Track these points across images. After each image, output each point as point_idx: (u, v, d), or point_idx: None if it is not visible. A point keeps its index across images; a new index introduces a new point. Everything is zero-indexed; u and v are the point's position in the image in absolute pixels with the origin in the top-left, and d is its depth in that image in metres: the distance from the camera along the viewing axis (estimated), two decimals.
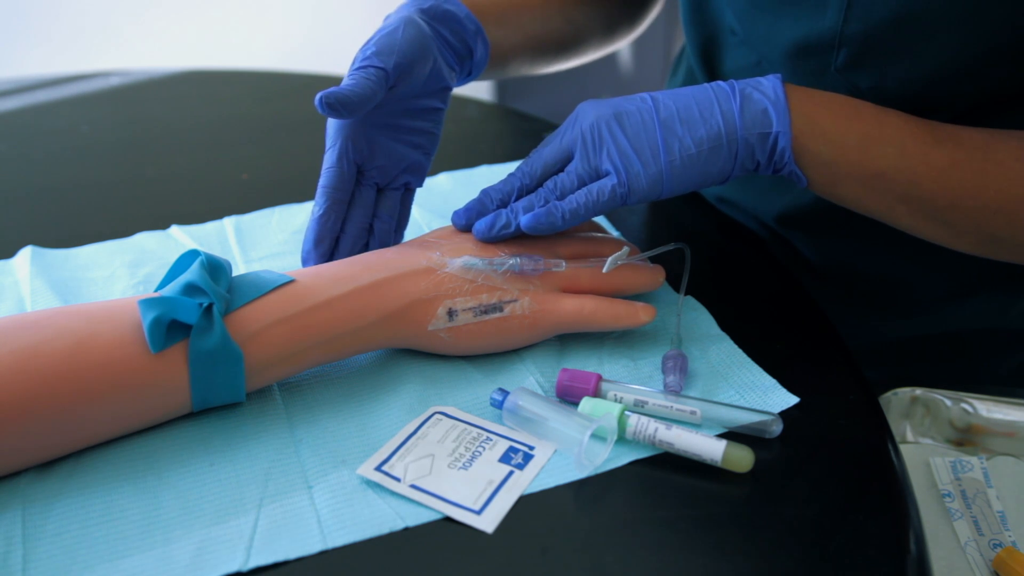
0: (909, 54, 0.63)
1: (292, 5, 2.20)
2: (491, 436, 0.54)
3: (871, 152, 0.59)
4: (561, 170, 0.62)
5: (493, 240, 0.61)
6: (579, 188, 0.60)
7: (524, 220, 0.60)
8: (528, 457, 0.53)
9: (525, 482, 0.51)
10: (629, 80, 2.33)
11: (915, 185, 0.59)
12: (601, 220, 0.74)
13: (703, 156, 0.59)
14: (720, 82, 0.61)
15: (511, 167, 0.83)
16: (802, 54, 0.68)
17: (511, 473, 0.51)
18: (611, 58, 2.34)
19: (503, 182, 0.63)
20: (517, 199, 0.62)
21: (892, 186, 0.59)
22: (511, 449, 0.53)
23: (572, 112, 0.63)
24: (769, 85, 0.60)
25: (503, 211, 0.61)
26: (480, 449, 0.53)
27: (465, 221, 0.62)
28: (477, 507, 0.49)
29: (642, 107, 0.60)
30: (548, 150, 0.63)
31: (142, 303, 0.52)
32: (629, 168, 0.59)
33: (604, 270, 0.60)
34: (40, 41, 1.83)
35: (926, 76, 0.63)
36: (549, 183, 0.61)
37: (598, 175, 0.60)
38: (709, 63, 0.80)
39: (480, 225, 0.61)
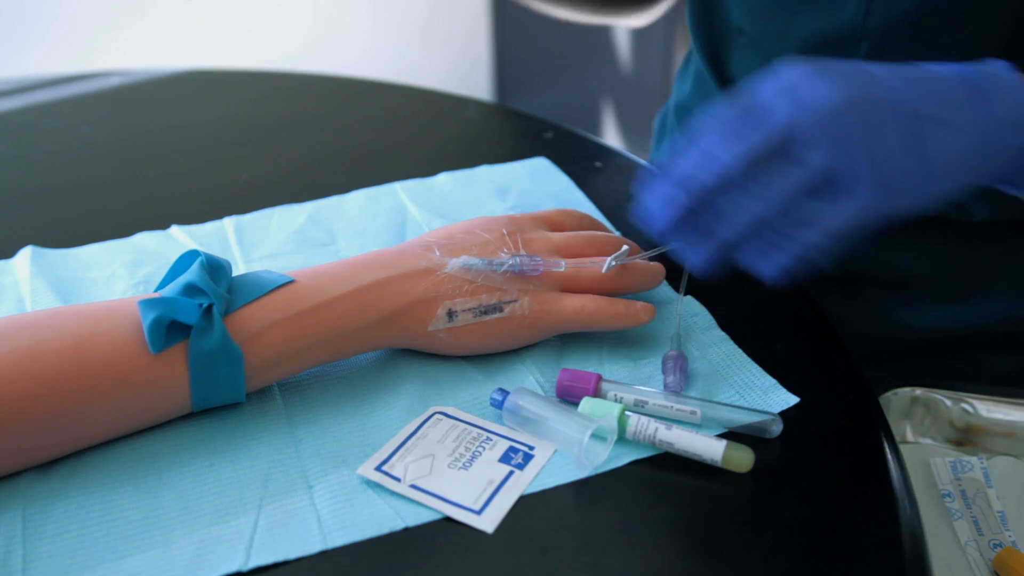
0: (932, 47, 0.61)
1: (292, 5, 2.20)
2: (491, 436, 0.54)
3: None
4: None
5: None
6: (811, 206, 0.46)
7: (767, 272, 0.47)
8: (528, 457, 0.53)
9: (525, 482, 0.51)
10: (629, 80, 2.33)
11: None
12: (601, 219, 0.74)
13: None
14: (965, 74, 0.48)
15: (511, 167, 0.83)
16: (820, 50, 0.67)
17: (511, 473, 0.51)
18: (611, 58, 2.34)
19: (700, 169, 0.47)
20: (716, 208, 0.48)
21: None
22: (511, 449, 0.53)
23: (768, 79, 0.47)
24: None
25: (712, 242, 0.48)
26: (480, 449, 0.53)
27: (665, 225, 0.49)
28: (477, 507, 0.49)
29: (892, 95, 0.45)
30: (757, 138, 0.45)
31: (142, 303, 0.52)
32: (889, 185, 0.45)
33: (604, 270, 0.60)
34: (40, 41, 1.83)
35: None
36: (773, 199, 0.46)
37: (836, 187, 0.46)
38: (717, 65, 0.79)
39: (695, 260, 0.49)
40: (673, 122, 0.90)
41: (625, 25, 0.87)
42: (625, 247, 0.61)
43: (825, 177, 0.44)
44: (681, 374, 0.57)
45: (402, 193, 0.79)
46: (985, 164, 0.47)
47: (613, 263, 0.60)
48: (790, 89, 0.45)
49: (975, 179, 0.48)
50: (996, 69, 0.48)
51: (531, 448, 0.53)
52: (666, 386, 0.57)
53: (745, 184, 0.46)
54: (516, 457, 0.53)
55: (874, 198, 0.44)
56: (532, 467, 0.52)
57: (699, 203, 0.47)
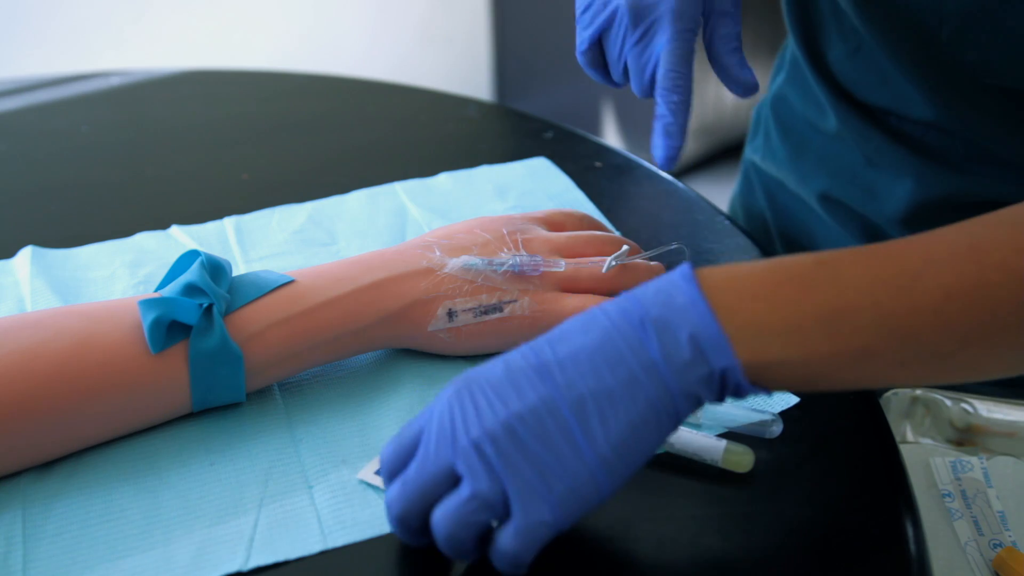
0: (1015, 29, 0.60)
1: (292, 5, 2.20)
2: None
3: (843, 331, 0.44)
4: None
5: None
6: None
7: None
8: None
9: None
10: None
11: (911, 340, 0.45)
12: (601, 219, 0.74)
13: (634, 446, 0.44)
14: (626, 310, 0.44)
15: (511, 167, 0.83)
16: (905, 29, 0.66)
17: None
18: None
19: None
20: None
21: (883, 356, 0.45)
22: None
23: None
24: (683, 291, 0.44)
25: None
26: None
27: None
28: None
29: (539, 403, 0.43)
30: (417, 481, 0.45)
31: (142, 303, 0.52)
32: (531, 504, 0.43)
33: (604, 270, 0.60)
34: (40, 41, 1.83)
35: None
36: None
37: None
38: (814, 52, 0.78)
39: None
40: (768, 115, 0.89)
41: None
42: (625, 247, 0.61)
43: (483, 503, 0.43)
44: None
45: (402, 193, 0.79)
46: (668, 413, 0.44)
47: (613, 263, 0.60)
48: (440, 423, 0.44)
49: (665, 430, 0.44)
50: (674, 283, 0.45)
51: None
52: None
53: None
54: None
55: (531, 514, 0.42)
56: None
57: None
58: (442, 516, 0.43)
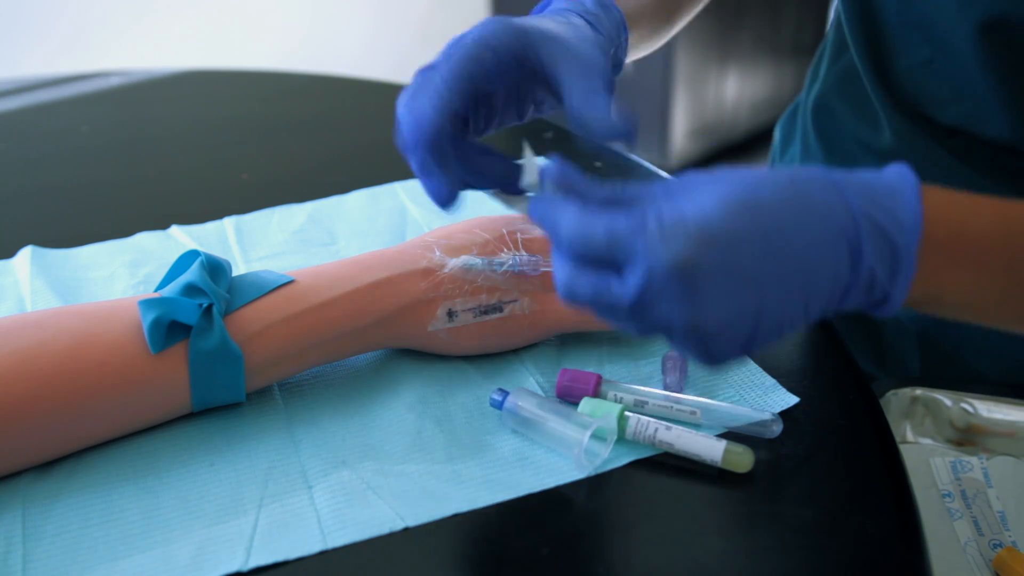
0: None
1: (292, 5, 2.20)
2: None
3: (1018, 302, 0.46)
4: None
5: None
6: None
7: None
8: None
9: None
10: (629, 80, 2.33)
11: None
12: None
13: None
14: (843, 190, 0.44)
15: None
16: (996, 33, 0.63)
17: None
18: None
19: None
20: None
21: None
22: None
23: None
24: (907, 215, 0.43)
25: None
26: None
27: None
28: None
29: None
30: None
31: (142, 303, 0.52)
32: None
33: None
34: (40, 41, 1.83)
35: None
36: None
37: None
38: (877, 63, 0.73)
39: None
40: (810, 123, 0.85)
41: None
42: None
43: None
44: (681, 374, 0.57)
45: (402, 193, 0.79)
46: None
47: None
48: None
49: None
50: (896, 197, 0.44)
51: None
52: (666, 386, 0.57)
53: None
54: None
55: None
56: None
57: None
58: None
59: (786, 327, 0.43)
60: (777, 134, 0.93)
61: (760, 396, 0.57)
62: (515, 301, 0.59)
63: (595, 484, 0.51)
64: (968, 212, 0.45)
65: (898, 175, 0.45)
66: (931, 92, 0.70)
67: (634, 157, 0.86)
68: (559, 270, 0.44)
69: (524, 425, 0.54)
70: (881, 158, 0.76)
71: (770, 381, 0.58)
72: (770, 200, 0.43)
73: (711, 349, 0.43)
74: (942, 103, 0.70)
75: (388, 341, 0.58)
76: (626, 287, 0.42)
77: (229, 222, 0.75)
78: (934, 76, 0.69)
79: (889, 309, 0.44)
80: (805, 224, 0.42)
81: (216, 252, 0.71)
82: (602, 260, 0.43)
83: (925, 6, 0.67)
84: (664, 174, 0.84)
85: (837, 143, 0.81)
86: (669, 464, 0.52)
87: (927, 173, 0.71)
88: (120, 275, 0.68)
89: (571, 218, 0.43)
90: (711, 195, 0.42)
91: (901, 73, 0.72)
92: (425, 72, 0.53)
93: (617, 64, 0.59)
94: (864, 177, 0.44)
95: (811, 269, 0.42)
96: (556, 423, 0.53)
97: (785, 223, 0.42)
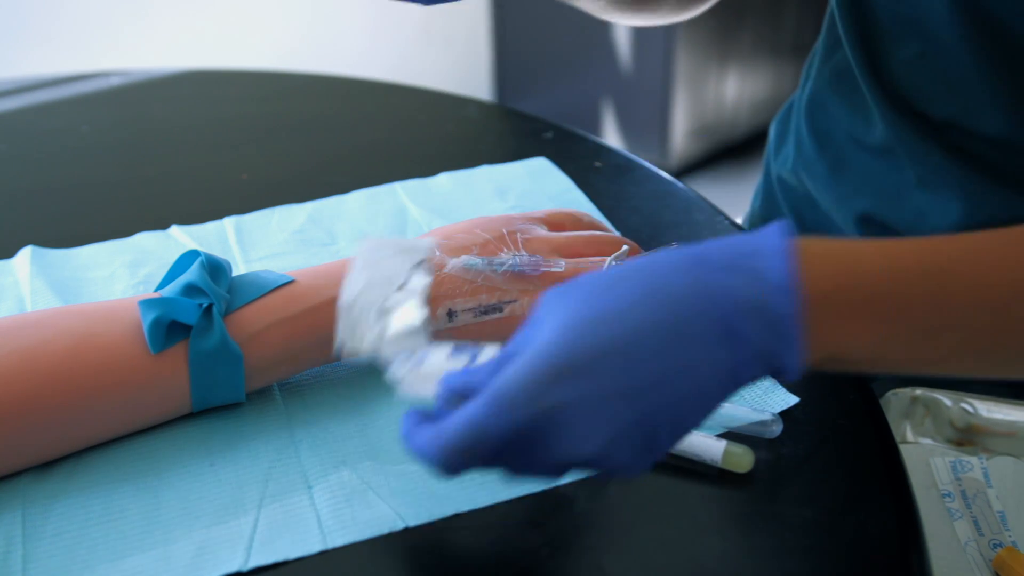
0: None
1: (292, 5, 2.20)
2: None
3: (925, 347, 0.44)
4: None
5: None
6: None
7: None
8: (478, 347, 0.49)
9: (494, 349, 0.47)
10: (629, 80, 2.33)
11: (999, 348, 0.44)
12: (601, 219, 0.74)
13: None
14: (709, 286, 0.41)
15: (511, 167, 0.83)
16: (980, 21, 0.62)
17: (474, 354, 0.47)
18: (611, 58, 2.34)
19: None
20: None
21: (964, 365, 0.46)
22: (456, 347, 0.49)
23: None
24: (777, 283, 0.41)
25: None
26: (423, 355, 0.48)
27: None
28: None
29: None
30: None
31: (142, 303, 0.52)
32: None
33: (604, 270, 0.60)
34: (40, 41, 1.83)
35: None
36: None
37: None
38: (870, 57, 0.73)
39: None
40: (803, 124, 0.84)
41: (661, 23, 0.78)
42: (625, 247, 0.61)
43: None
44: None
45: (402, 193, 0.79)
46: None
47: (613, 263, 0.60)
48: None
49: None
50: (766, 263, 0.41)
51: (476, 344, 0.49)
52: None
53: None
54: (467, 350, 0.48)
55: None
56: (489, 351, 0.47)
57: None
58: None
59: (682, 423, 0.41)
60: (771, 133, 0.93)
61: (760, 396, 0.57)
62: (515, 301, 0.59)
63: (595, 484, 0.51)
64: (851, 260, 0.43)
65: (767, 237, 0.42)
66: (923, 87, 0.70)
67: (634, 157, 0.86)
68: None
69: None
70: (874, 154, 0.76)
71: (770, 381, 0.58)
72: (616, 310, 0.41)
73: (615, 470, 0.41)
74: (934, 98, 0.70)
75: None
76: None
77: (229, 222, 0.75)
78: (926, 71, 0.69)
79: (790, 376, 0.42)
80: (662, 323, 0.40)
81: (216, 252, 0.71)
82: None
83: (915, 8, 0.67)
84: (665, 174, 0.84)
85: (830, 140, 0.80)
86: (669, 464, 0.52)
87: (920, 169, 0.72)
88: (120, 275, 0.68)
89: (430, 450, 0.42)
90: (554, 321, 0.41)
91: (893, 68, 0.71)
92: None
93: None
94: (731, 247, 0.42)
95: (682, 365, 0.40)
96: None
97: (639, 330, 0.40)
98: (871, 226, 0.77)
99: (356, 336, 0.50)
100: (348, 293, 0.50)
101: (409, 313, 0.50)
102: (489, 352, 0.47)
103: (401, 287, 0.51)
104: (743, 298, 0.40)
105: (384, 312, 0.50)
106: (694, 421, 0.42)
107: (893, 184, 0.75)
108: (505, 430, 0.40)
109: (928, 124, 0.71)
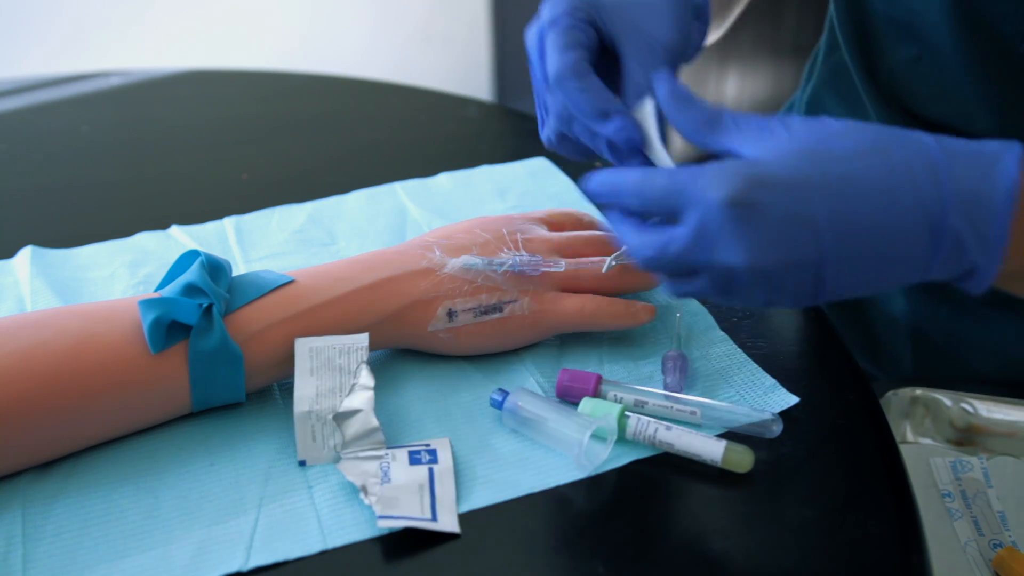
0: None
1: (292, 5, 2.20)
2: (385, 451, 0.52)
3: None
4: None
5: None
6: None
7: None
8: (431, 451, 0.52)
9: (449, 470, 0.51)
10: None
11: None
12: (601, 219, 0.74)
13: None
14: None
15: (511, 167, 0.83)
16: (985, 40, 0.62)
17: (431, 469, 0.51)
18: None
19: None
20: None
21: None
22: (412, 452, 0.52)
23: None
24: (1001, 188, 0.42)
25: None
26: (385, 466, 0.51)
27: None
28: (428, 515, 0.49)
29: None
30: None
31: (142, 303, 0.52)
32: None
33: (604, 270, 0.60)
34: (40, 41, 1.83)
35: None
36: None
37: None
38: (867, 60, 0.73)
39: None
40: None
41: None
42: (625, 247, 0.61)
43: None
44: (681, 374, 0.57)
45: (402, 193, 0.79)
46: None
47: (613, 263, 0.60)
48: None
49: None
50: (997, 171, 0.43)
51: (427, 444, 0.53)
52: (666, 386, 0.57)
53: None
54: (422, 456, 0.52)
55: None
56: (443, 455, 0.52)
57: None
58: None
59: (859, 281, 0.43)
60: None
61: (760, 396, 0.57)
62: (515, 301, 0.59)
63: (595, 484, 0.51)
64: None
65: (1002, 144, 0.44)
66: (917, 89, 0.70)
67: None
68: (626, 237, 0.46)
69: (524, 425, 0.54)
70: None
71: (770, 381, 0.58)
72: (841, 151, 0.42)
73: (781, 294, 0.43)
74: (928, 100, 0.70)
75: (388, 341, 0.58)
76: (685, 228, 0.43)
77: (229, 222, 0.75)
78: (920, 73, 0.69)
79: (977, 283, 0.43)
80: (877, 181, 0.42)
81: (216, 252, 0.71)
82: (662, 214, 0.44)
83: (910, 2, 0.67)
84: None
85: None
86: (669, 464, 0.52)
87: None
88: (120, 275, 0.68)
89: (633, 177, 0.45)
90: (780, 143, 0.43)
91: (888, 70, 0.72)
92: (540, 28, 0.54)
93: (702, 16, 0.57)
94: (961, 141, 0.44)
95: (882, 226, 0.42)
96: (556, 423, 0.53)
97: (853, 175, 0.42)
98: None
99: (316, 445, 0.52)
100: (301, 404, 0.52)
101: (365, 416, 0.52)
102: (445, 452, 0.52)
103: (352, 388, 0.52)
104: (966, 192, 0.42)
105: (340, 417, 0.52)
106: (862, 290, 0.44)
107: None
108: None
109: (922, 125, 0.71)
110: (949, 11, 0.64)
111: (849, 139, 0.43)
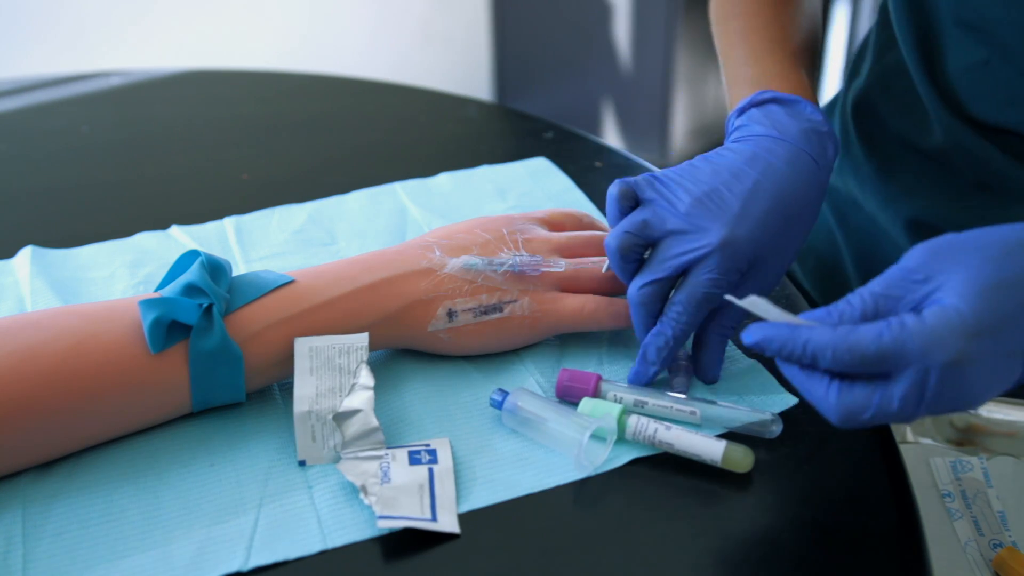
0: None
1: (292, 5, 2.20)
2: (385, 451, 0.52)
3: None
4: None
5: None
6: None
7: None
8: (432, 451, 0.52)
9: (449, 469, 0.51)
10: (629, 80, 2.33)
11: None
12: (601, 219, 0.74)
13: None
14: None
15: (511, 167, 0.83)
16: None
17: (431, 470, 0.51)
18: (611, 58, 2.34)
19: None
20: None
21: None
22: (411, 452, 0.52)
23: None
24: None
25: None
26: (385, 466, 0.52)
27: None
28: (428, 515, 0.49)
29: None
30: None
31: (142, 303, 0.52)
32: None
33: (603, 270, 0.60)
34: (40, 41, 1.83)
35: None
36: None
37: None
38: (929, 62, 0.72)
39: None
40: (850, 122, 0.82)
41: None
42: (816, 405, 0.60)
43: None
44: (688, 376, 0.57)
45: (402, 193, 0.79)
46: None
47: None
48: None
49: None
50: None
51: (427, 444, 0.53)
52: (673, 387, 0.57)
53: None
54: (422, 456, 0.52)
55: None
56: (443, 455, 0.52)
57: None
58: None
59: None
60: None
61: (760, 396, 0.57)
62: (515, 301, 0.59)
63: (595, 484, 0.51)
64: None
65: None
66: (984, 95, 0.69)
67: (634, 157, 0.86)
68: (827, 400, 0.46)
69: (524, 425, 0.54)
70: (928, 158, 0.74)
71: (770, 381, 0.58)
72: (1018, 275, 0.45)
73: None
74: (995, 106, 0.69)
75: (388, 341, 0.58)
76: (904, 393, 0.44)
77: (229, 222, 0.75)
78: (989, 78, 0.68)
79: None
80: None
81: (216, 252, 0.71)
82: (871, 371, 0.45)
83: (981, 6, 0.66)
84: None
85: (879, 142, 0.79)
86: (669, 464, 0.52)
87: (979, 173, 0.71)
88: (120, 275, 0.68)
89: (830, 339, 0.45)
90: (963, 282, 0.45)
91: (953, 74, 0.70)
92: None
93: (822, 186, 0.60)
94: None
95: None
96: (556, 423, 0.53)
97: None
98: (920, 229, 0.76)
99: (316, 445, 0.52)
100: (301, 404, 0.52)
101: (365, 416, 0.52)
102: (445, 452, 0.52)
103: (352, 387, 0.52)
104: None
105: (340, 417, 0.51)
106: None
107: (949, 187, 0.73)
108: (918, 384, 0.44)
109: (985, 131, 0.70)
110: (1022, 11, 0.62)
111: (1017, 258, 0.45)
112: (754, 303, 0.48)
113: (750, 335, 0.48)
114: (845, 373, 0.46)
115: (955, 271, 0.45)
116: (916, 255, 0.47)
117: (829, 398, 0.46)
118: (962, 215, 0.73)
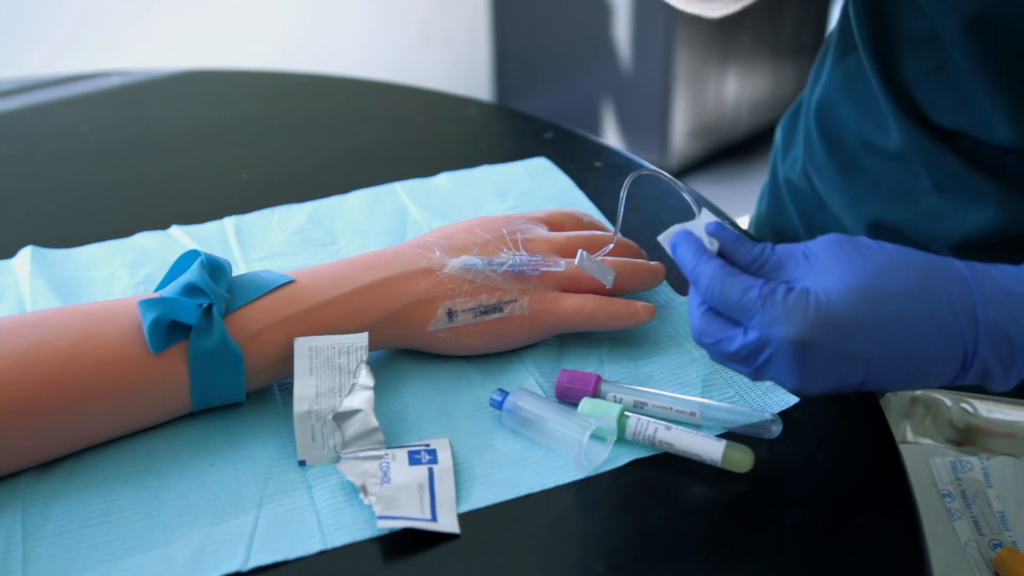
0: None
1: (292, 5, 2.20)
2: (385, 452, 0.52)
3: None
4: None
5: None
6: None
7: None
8: (431, 451, 0.52)
9: (448, 469, 0.51)
10: (629, 80, 2.33)
11: None
12: (601, 219, 0.74)
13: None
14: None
15: (511, 167, 0.83)
16: (982, 31, 0.63)
17: (431, 469, 0.51)
18: (611, 58, 2.34)
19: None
20: None
21: None
22: (411, 452, 0.52)
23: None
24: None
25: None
26: (385, 466, 0.52)
27: None
28: (428, 515, 0.49)
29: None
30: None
31: (142, 303, 0.52)
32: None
33: (608, 286, 0.60)
34: (40, 41, 1.83)
35: None
36: None
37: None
38: (886, 66, 0.72)
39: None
40: (813, 123, 0.83)
41: (711, 15, 0.79)
42: (611, 244, 0.60)
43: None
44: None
45: (402, 193, 0.79)
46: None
47: (586, 257, 0.58)
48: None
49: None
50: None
51: (427, 444, 0.53)
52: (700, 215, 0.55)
53: None
54: (422, 456, 0.52)
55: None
56: (443, 455, 0.52)
57: None
58: None
59: (890, 388, 0.50)
60: (778, 134, 0.93)
61: (760, 396, 0.57)
62: (515, 301, 0.59)
63: (595, 484, 0.51)
64: None
65: None
66: (938, 99, 0.70)
67: (634, 157, 0.87)
68: (693, 314, 0.51)
69: (524, 425, 0.54)
70: (887, 159, 0.75)
71: (770, 381, 0.58)
72: (894, 291, 0.47)
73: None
74: (949, 110, 0.69)
75: (388, 341, 0.58)
76: (743, 344, 0.49)
77: (229, 222, 0.75)
78: (942, 83, 0.69)
79: (996, 388, 0.49)
80: (924, 321, 0.47)
81: (216, 252, 0.71)
82: (730, 316, 0.50)
83: (930, 14, 0.66)
84: (664, 174, 0.83)
85: (841, 143, 0.80)
86: (669, 464, 0.52)
87: (936, 175, 0.72)
88: (120, 275, 0.68)
89: (713, 275, 0.50)
90: (839, 278, 0.47)
91: (909, 78, 0.71)
92: None
93: None
94: (1001, 281, 0.48)
95: (922, 359, 0.47)
96: (556, 423, 0.53)
97: (904, 316, 0.47)
98: (882, 230, 0.77)
99: (315, 445, 0.52)
100: (301, 403, 0.52)
101: (365, 416, 0.52)
102: (444, 452, 0.52)
103: (352, 387, 0.52)
104: (1000, 331, 0.47)
105: (340, 417, 0.52)
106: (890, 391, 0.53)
107: (907, 188, 0.74)
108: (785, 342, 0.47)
109: (943, 133, 0.71)
110: (967, 26, 0.63)
111: (899, 276, 0.47)
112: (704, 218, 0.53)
113: (673, 237, 0.53)
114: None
115: (840, 265, 0.48)
116: (823, 242, 0.50)
117: (694, 315, 0.51)
118: (920, 216, 0.74)
